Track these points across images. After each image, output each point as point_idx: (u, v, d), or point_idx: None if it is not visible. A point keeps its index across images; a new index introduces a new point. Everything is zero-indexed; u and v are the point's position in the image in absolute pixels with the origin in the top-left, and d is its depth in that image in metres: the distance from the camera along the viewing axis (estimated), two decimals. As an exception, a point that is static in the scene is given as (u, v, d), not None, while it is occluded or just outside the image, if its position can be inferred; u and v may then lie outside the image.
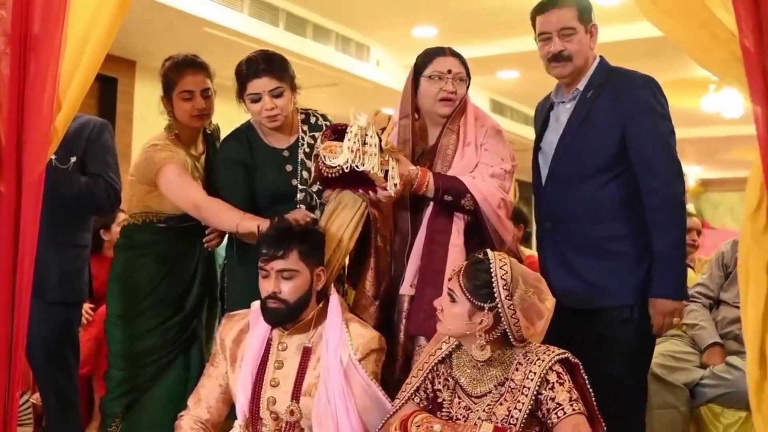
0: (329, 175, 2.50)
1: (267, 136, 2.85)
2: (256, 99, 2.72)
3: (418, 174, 2.59)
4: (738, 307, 3.41)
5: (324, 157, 2.48)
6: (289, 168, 2.82)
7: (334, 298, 2.51)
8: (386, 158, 2.47)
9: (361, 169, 2.43)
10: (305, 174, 2.81)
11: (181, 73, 2.93)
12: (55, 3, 2.25)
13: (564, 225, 2.74)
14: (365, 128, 2.44)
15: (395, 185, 2.49)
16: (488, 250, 2.20)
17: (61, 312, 3.10)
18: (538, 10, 2.77)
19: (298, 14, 6.94)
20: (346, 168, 2.43)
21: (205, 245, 2.95)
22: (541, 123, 2.90)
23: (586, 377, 2.13)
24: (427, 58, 2.75)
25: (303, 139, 2.85)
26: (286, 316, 2.44)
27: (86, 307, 4.01)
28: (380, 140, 2.46)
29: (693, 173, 15.26)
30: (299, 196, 2.80)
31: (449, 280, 2.21)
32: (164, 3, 5.72)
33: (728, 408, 3.30)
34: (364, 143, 2.43)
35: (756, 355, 1.77)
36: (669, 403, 3.33)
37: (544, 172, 2.82)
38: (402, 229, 2.74)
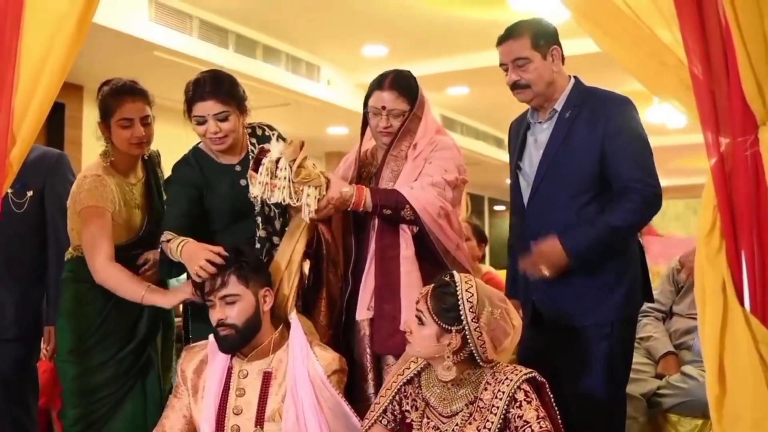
0: (253, 201, 2.66)
1: (217, 155, 2.84)
2: (201, 122, 2.71)
3: (353, 194, 2.61)
4: (690, 318, 3.53)
5: (249, 186, 2.60)
6: (243, 182, 2.80)
7: (296, 322, 2.53)
8: (300, 188, 2.53)
9: (271, 201, 2.56)
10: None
11: (121, 100, 2.85)
12: (6, 36, 2.22)
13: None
14: (274, 162, 2.52)
15: (310, 212, 2.55)
16: (455, 272, 2.23)
17: (18, 348, 3.03)
18: (497, 43, 2.80)
19: (247, 36, 6.95)
20: (258, 200, 2.58)
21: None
22: (519, 143, 2.90)
23: (551, 396, 2.17)
24: (370, 89, 2.80)
25: (252, 152, 2.83)
26: (237, 341, 2.46)
27: (45, 341, 3.95)
28: (291, 171, 2.52)
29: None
30: (257, 208, 2.78)
31: (417, 302, 2.24)
32: (112, 27, 5.67)
33: (685, 416, 3.36)
34: (274, 176, 2.52)
35: (715, 371, 1.82)
36: (628, 414, 3.38)
37: (526, 193, 2.83)
38: (347, 251, 2.79)
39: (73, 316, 2.87)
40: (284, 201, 2.52)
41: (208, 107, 2.68)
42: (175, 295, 2.71)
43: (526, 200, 2.83)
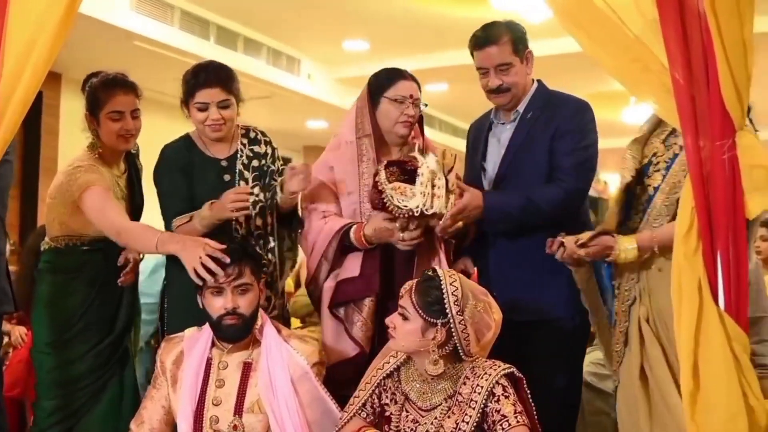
0: (397, 213, 2.58)
1: (207, 146, 2.86)
2: (203, 108, 2.74)
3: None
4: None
5: (392, 197, 2.55)
6: (227, 177, 2.83)
7: (267, 321, 2.55)
8: (450, 198, 2.57)
9: (431, 212, 2.53)
10: (243, 184, 2.82)
11: (112, 92, 2.84)
12: (-9, 24, 2.22)
13: (507, 240, 2.83)
14: (435, 171, 2.53)
15: (446, 220, 2.61)
16: (437, 267, 2.27)
17: None
18: (475, 45, 2.84)
19: (228, 28, 6.92)
20: (417, 212, 2.52)
21: (119, 283, 2.90)
22: (482, 143, 2.97)
23: (528, 391, 2.21)
24: (389, 80, 2.80)
25: (242, 151, 2.86)
26: (243, 331, 2.47)
27: (22, 330, 3.92)
28: (447, 181, 2.55)
29: (614, 181, 15.71)
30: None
31: (400, 297, 2.26)
32: (92, 16, 5.62)
33: (656, 413, 3.42)
34: (433, 186, 2.53)
35: (689, 369, 1.87)
36: (600, 409, 3.44)
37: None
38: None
39: (51, 307, 2.86)
40: (440, 210, 2.54)
41: (212, 94, 2.73)
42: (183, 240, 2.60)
43: None
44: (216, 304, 2.44)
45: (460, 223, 2.73)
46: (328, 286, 2.79)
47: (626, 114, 9.09)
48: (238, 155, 2.86)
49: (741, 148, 1.84)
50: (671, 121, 1.95)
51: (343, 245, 2.73)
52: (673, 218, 2.32)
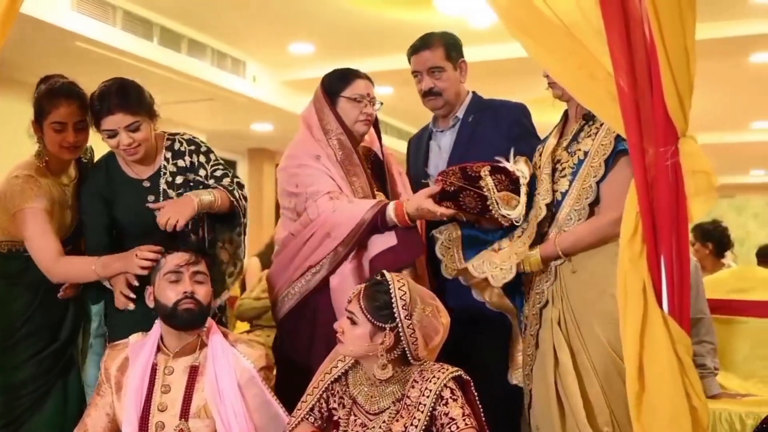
0: (501, 221, 2.57)
1: (129, 165, 2.79)
2: (112, 135, 2.65)
3: None
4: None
5: (498, 205, 2.54)
6: (151, 198, 2.75)
7: (213, 325, 2.54)
8: None
9: (519, 221, 2.54)
10: None
11: (55, 102, 2.75)
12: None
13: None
14: (528, 182, 2.55)
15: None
16: (385, 272, 2.27)
17: None
18: (411, 51, 2.99)
19: (172, 29, 6.81)
20: (516, 222, 2.54)
21: (59, 296, 2.85)
22: (423, 153, 3.07)
23: (476, 394, 2.23)
24: (345, 79, 2.84)
25: (165, 167, 2.79)
26: (199, 318, 2.46)
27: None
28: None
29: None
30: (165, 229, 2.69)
31: (348, 302, 2.26)
32: (32, 15, 5.47)
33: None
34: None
35: (635, 371, 1.91)
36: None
37: None
38: None
39: None
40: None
41: (118, 120, 2.62)
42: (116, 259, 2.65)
43: None
44: (173, 291, 2.44)
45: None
46: (350, 267, 2.71)
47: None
48: (162, 173, 2.79)
49: (684, 155, 1.88)
50: (616, 127, 1.99)
51: (374, 224, 2.66)
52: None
